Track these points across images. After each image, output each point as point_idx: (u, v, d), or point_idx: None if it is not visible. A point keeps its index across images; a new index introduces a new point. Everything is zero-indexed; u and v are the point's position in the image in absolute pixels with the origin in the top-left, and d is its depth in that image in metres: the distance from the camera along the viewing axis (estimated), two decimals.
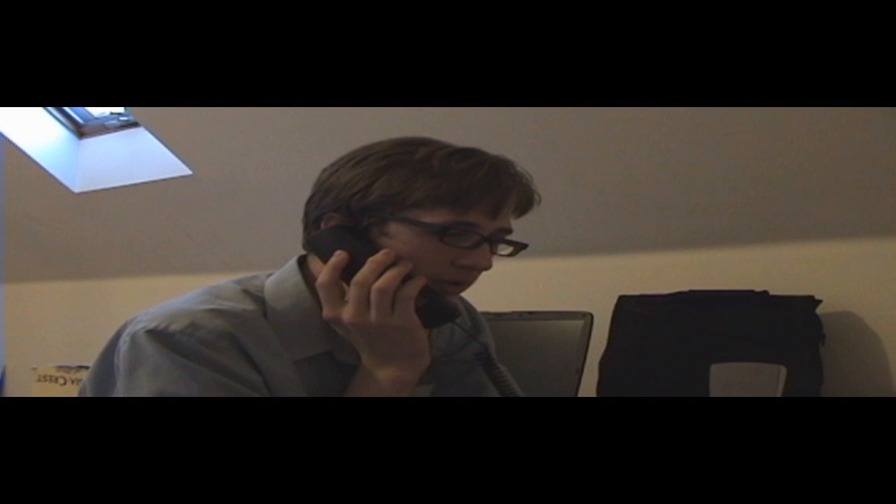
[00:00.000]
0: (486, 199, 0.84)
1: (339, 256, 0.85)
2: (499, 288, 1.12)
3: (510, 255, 0.91)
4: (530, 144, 1.47)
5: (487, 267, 0.86)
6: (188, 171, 2.08)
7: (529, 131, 1.49)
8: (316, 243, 0.88)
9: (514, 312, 1.52)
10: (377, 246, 0.85)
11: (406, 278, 0.84)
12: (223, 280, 0.91)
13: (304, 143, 1.80)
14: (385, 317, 0.83)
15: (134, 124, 2.26)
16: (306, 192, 0.90)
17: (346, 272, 0.85)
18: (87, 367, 0.92)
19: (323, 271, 0.85)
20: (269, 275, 0.92)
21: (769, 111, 1.28)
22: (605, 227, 1.63)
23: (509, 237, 0.90)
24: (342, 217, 0.86)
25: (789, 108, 1.21)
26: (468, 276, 0.87)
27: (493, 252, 0.88)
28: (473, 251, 0.85)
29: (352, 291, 0.83)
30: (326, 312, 0.85)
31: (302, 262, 0.93)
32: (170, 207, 2.20)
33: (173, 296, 0.87)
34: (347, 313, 0.84)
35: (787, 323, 1.36)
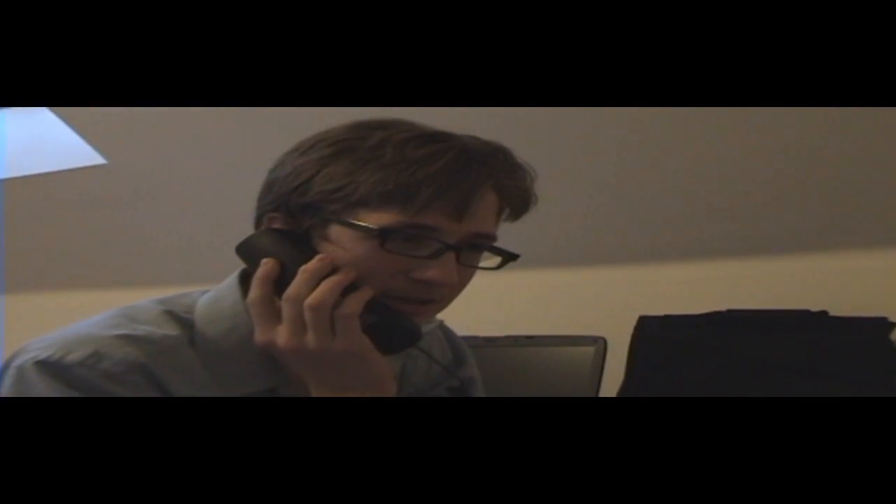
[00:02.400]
0: (448, 196, 0.79)
1: (266, 266, 0.82)
2: (489, 307, 1.13)
3: (497, 267, 0.86)
4: (530, 139, 1.39)
5: (449, 282, 0.81)
6: (100, 160, 2.00)
7: (529, 126, 1.43)
8: (245, 251, 0.85)
9: (508, 337, 1.47)
10: (318, 253, 0.82)
11: (351, 290, 0.80)
12: (144, 300, 0.88)
13: (254, 125, 1.70)
14: (325, 339, 0.80)
15: None
16: (255, 187, 0.87)
17: (281, 286, 0.82)
18: None
19: (251, 286, 0.83)
20: (205, 292, 0.89)
21: (833, 111, 1.26)
22: (619, 232, 1.59)
23: (493, 245, 0.85)
24: (283, 218, 0.84)
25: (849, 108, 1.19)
26: (430, 292, 0.82)
27: (466, 263, 0.83)
28: (432, 262, 0.80)
29: (283, 310, 0.81)
30: (258, 337, 0.82)
31: (245, 278, 0.88)
32: (76, 205, 2.12)
33: (79, 318, 0.85)
34: (282, 337, 0.81)
35: (853, 351, 1.30)
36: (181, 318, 0.85)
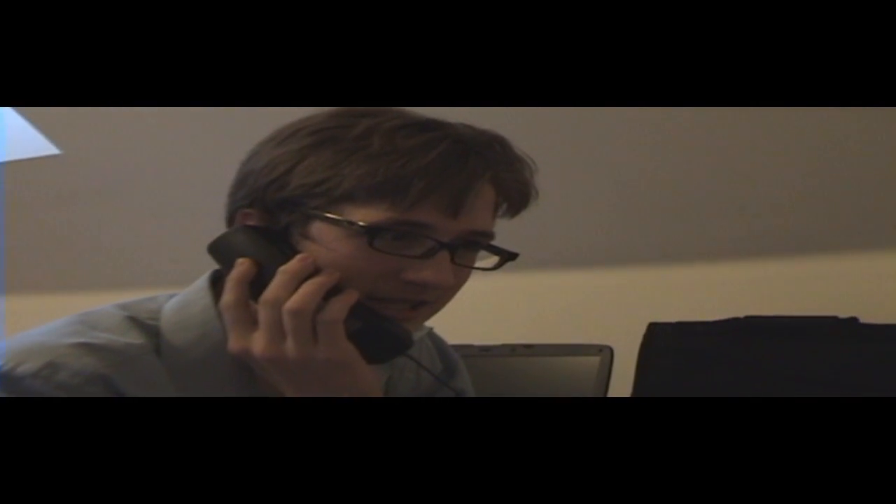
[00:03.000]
0: (442, 190, 0.78)
1: (241, 266, 0.80)
2: (483, 312, 1.13)
3: (494, 267, 0.85)
4: (534, 135, 1.36)
5: (444, 284, 0.80)
6: (54, 150, 1.95)
7: (534, 124, 1.38)
8: (218, 250, 0.83)
9: (505, 346, 1.43)
10: (298, 252, 0.81)
11: (335, 293, 0.79)
12: (104, 305, 0.87)
13: (222, 116, 1.66)
14: (306, 347, 0.78)
15: None
16: (222, 182, 0.86)
17: (257, 289, 0.80)
18: None
19: (225, 288, 0.81)
20: (172, 296, 0.88)
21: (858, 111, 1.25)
22: (627, 231, 1.56)
23: (490, 243, 0.84)
24: (258, 214, 0.82)
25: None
26: (423, 294, 0.81)
27: (461, 263, 0.82)
28: (425, 262, 0.79)
29: (261, 314, 0.79)
30: (232, 344, 0.81)
31: (216, 281, 0.87)
32: (29, 199, 2.09)
33: (33, 324, 0.85)
34: (258, 345, 0.79)
35: (886, 361, 1.25)
36: (146, 325, 0.84)
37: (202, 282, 0.88)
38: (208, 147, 1.77)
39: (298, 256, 0.79)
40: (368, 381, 0.81)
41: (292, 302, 0.78)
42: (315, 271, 0.79)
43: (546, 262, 1.45)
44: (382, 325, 0.81)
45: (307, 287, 0.78)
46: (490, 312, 1.22)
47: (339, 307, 0.78)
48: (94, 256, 2.13)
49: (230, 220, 0.84)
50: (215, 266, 0.87)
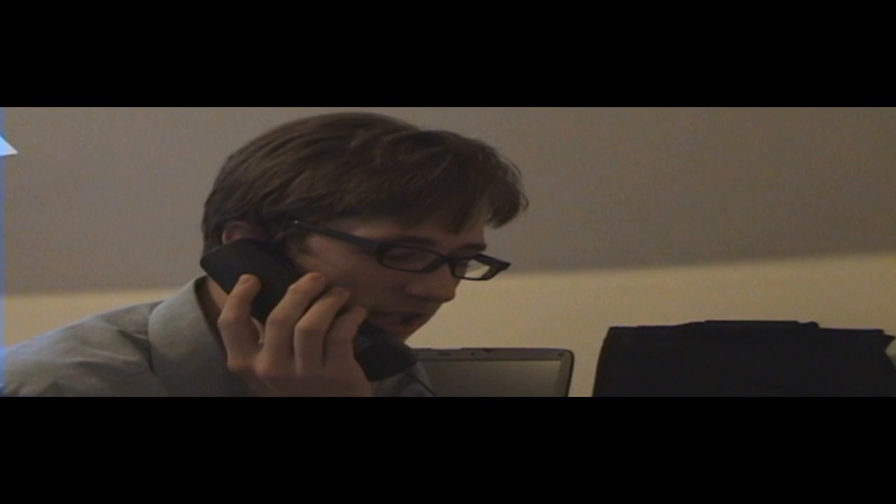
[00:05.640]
0: (446, 206, 0.79)
1: (246, 283, 0.79)
2: (442, 316, 1.07)
3: (484, 277, 0.86)
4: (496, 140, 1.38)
5: (447, 296, 0.81)
6: (10, 150, 1.90)
7: (493, 126, 1.31)
8: (214, 264, 0.82)
9: (464, 349, 1.41)
10: (298, 268, 0.80)
11: (341, 311, 0.78)
12: (86, 317, 0.86)
13: (188, 114, 1.62)
14: (314, 367, 0.77)
15: None
16: (195, 182, 0.85)
17: (258, 305, 0.79)
18: None
19: (226, 305, 0.80)
20: (153, 306, 0.87)
21: (829, 112, 1.25)
22: (587, 235, 1.55)
23: (483, 253, 0.85)
24: (250, 227, 0.81)
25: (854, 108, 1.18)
26: (422, 307, 0.82)
27: (459, 275, 0.83)
28: (428, 276, 0.80)
29: (268, 333, 0.78)
30: (233, 362, 0.80)
31: (200, 288, 0.87)
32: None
33: None
34: (262, 363, 0.78)
35: (846, 367, 1.27)
36: (136, 340, 0.83)
37: (187, 293, 0.86)
38: (160, 154, 1.74)
39: (310, 275, 0.78)
40: (367, 397, 0.81)
41: (305, 322, 0.77)
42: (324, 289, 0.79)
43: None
44: (388, 343, 0.81)
45: (319, 307, 0.77)
46: (449, 316, 1.18)
47: (349, 326, 0.78)
48: (44, 257, 2.07)
49: (216, 230, 0.83)
50: (191, 273, 0.85)
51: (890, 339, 1.25)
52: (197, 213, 0.86)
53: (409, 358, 0.82)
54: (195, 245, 0.87)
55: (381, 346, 0.80)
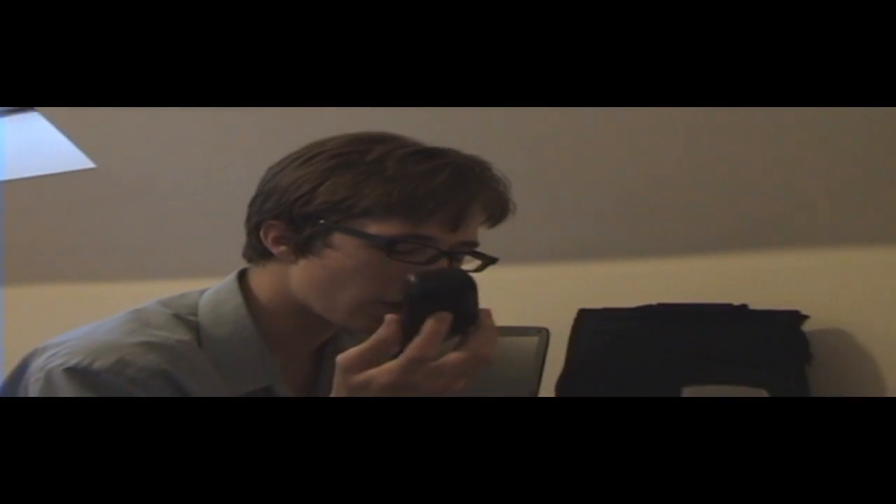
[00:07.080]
0: (446, 209, 0.82)
1: (442, 322, 0.76)
2: None
3: (476, 270, 0.87)
4: (475, 139, 1.35)
5: None
6: (90, 164, 2.01)
7: (473, 126, 1.42)
8: (425, 289, 0.79)
9: None
10: (321, 256, 0.82)
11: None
12: (148, 302, 0.88)
13: (233, 133, 1.72)
14: (430, 387, 0.77)
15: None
16: (232, 190, 0.86)
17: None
18: None
19: (395, 326, 0.77)
20: (202, 292, 0.89)
21: (752, 112, 1.25)
22: (560, 232, 1.58)
23: (476, 250, 0.87)
24: (284, 226, 0.84)
25: (777, 108, 1.19)
26: None
27: (454, 267, 0.86)
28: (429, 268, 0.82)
29: (404, 363, 0.76)
30: (355, 361, 0.77)
31: (242, 277, 0.89)
32: (67, 205, 2.13)
33: (71, 308, 0.88)
34: (385, 377, 0.76)
35: (769, 341, 1.33)
36: (188, 321, 0.87)
37: (231, 281, 0.90)
38: (219, 157, 1.78)
39: (438, 316, 0.76)
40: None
41: (451, 361, 0.77)
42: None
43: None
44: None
45: (454, 359, 0.77)
46: None
47: (466, 380, 0.77)
48: (124, 253, 2.13)
49: (255, 228, 0.86)
50: (232, 265, 0.88)
51: (805, 317, 1.32)
52: (243, 214, 0.91)
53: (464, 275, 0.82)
54: (240, 240, 0.91)
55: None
